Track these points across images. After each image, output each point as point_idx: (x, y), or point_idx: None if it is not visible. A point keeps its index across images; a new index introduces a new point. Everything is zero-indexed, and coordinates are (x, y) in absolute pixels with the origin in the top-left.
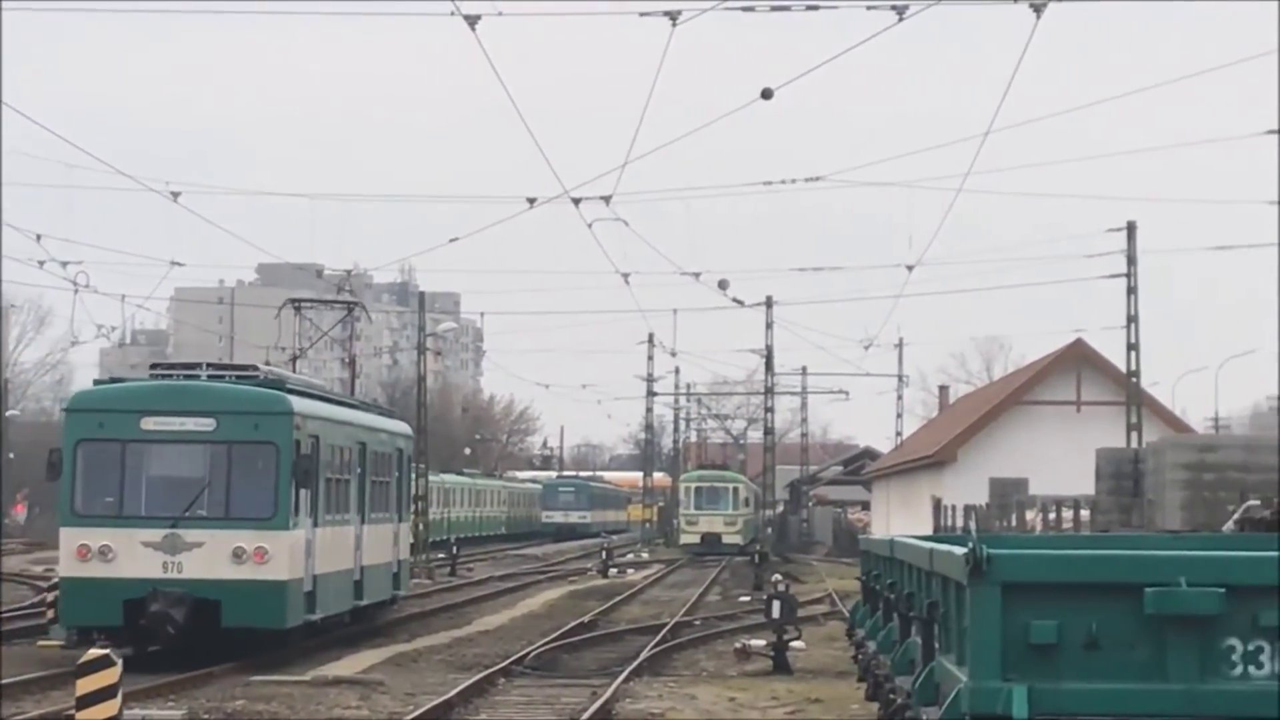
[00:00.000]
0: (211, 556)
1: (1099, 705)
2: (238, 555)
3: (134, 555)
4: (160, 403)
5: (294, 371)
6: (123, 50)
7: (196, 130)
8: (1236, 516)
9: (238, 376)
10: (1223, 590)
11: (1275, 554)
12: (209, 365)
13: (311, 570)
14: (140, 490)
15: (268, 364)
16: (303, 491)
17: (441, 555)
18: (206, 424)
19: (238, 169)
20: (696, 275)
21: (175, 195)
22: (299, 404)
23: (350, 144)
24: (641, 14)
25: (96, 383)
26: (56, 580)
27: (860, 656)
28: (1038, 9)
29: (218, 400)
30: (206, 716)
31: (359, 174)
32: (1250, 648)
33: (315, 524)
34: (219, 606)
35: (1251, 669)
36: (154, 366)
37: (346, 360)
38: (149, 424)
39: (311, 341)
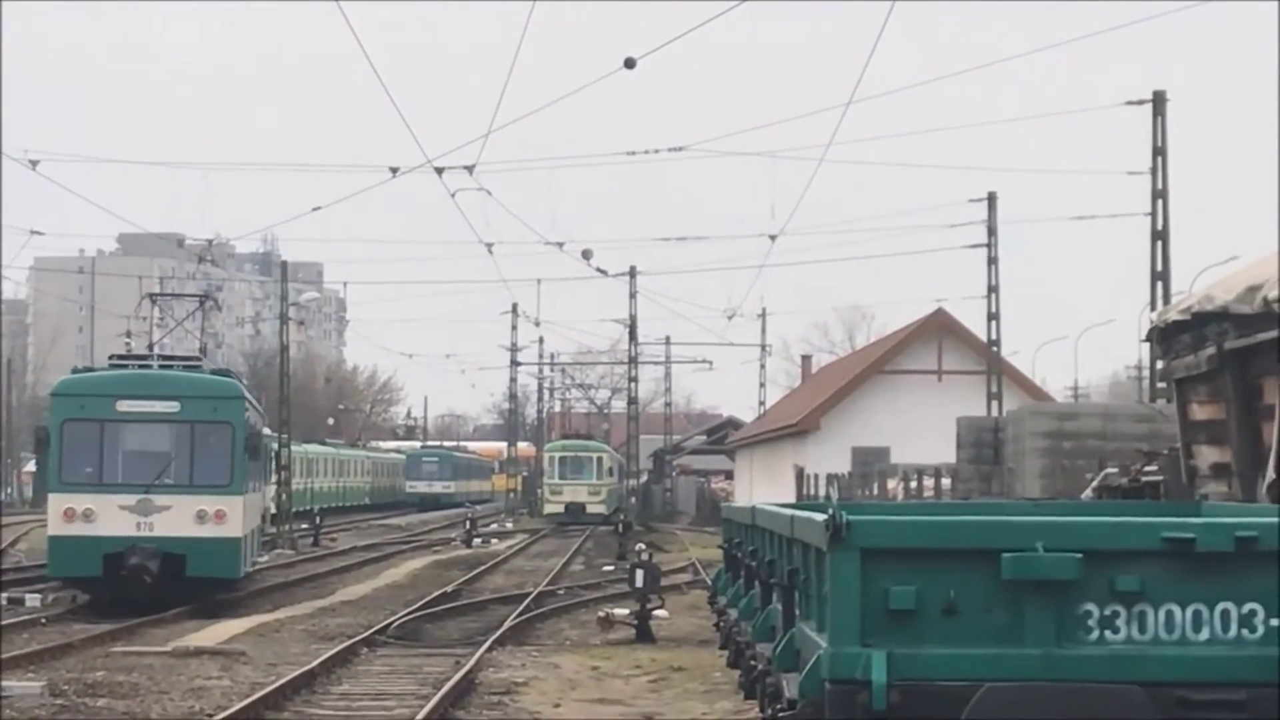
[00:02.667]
0: (178, 517)
1: (957, 670)
2: (200, 517)
3: (112, 517)
4: (133, 388)
5: (151, 353)
6: None
7: (55, 97)
8: (1095, 484)
9: (185, 366)
10: (1079, 556)
11: (1131, 519)
12: (159, 355)
13: (250, 528)
14: (117, 462)
15: (128, 339)
16: (251, 463)
17: (305, 526)
18: (172, 406)
19: (97, 137)
20: (560, 245)
21: (34, 163)
22: (246, 391)
23: (212, 112)
24: None
25: (74, 371)
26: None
27: (722, 624)
28: None
29: (182, 387)
30: (66, 688)
31: (220, 142)
32: (1106, 612)
33: (249, 491)
34: (184, 560)
35: (1108, 633)
36: (111, 357)
37: (199, 349)
38: (123, 406)
39: (168, 330)
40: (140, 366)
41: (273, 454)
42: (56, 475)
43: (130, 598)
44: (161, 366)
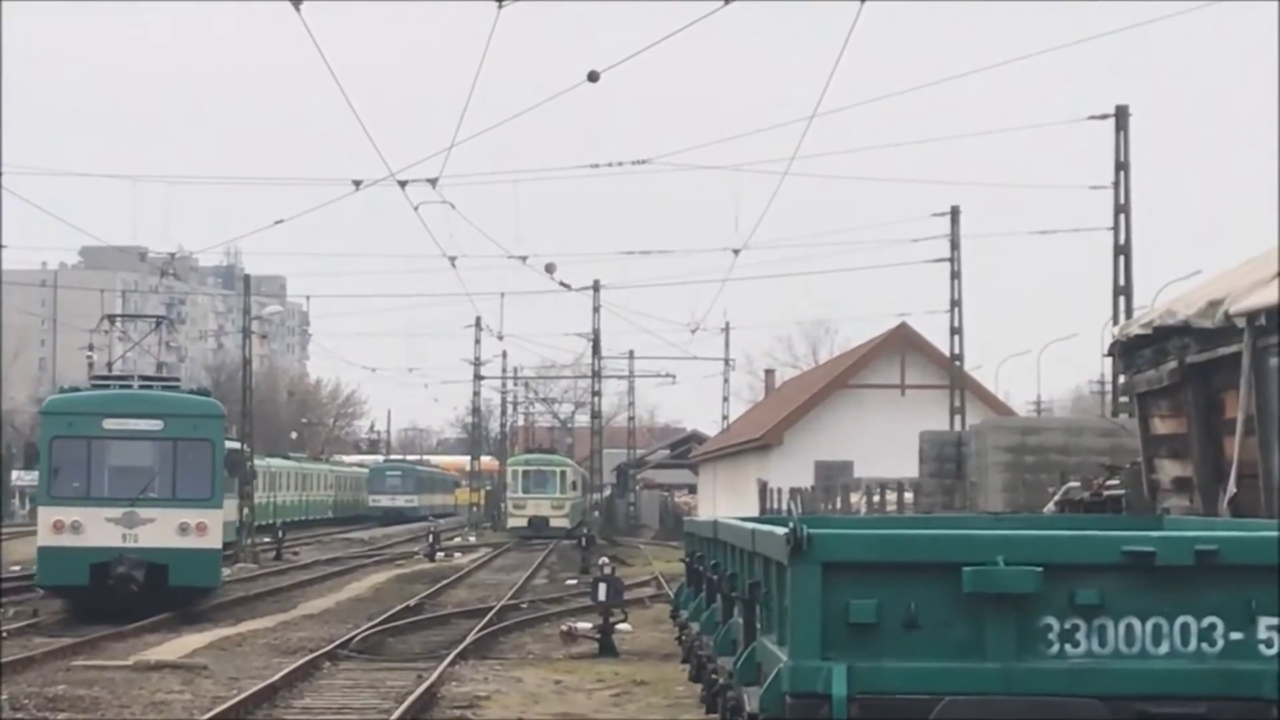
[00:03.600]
0: (162, 529)
1: (918, 683)
2: (183, 529)
3: (99, 528)
4: (118, 407)
5: (110, 370)
6: None
7: (16, 110)
8: (1057, 498)
9: (164, 386)
10: (1040, 569)
11: (1092, 533)
12: (140, 376)
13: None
14: (104, 476)
15: (90, 354)
16: (230, 479)
17: (267, 539)
18: (156, 425)
19: (59, 150)
20: (524, 259)
21: None
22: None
23: (174, 125)
24: None
25: (61, 390)
26: None
27: (684, 638)
28: None
29: (165, 406)
30: (27, 701)
31: (183, 156)
32: (1067, 626)
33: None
34: (167, 570)
35: (1068, 647)
36: (94, 378)
37: (156, 367)
38: (109, 424)
39: (126, 349)
40: (122, 386)
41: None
42: (46, 489)
43: (116, 606)
44: (142, 386)
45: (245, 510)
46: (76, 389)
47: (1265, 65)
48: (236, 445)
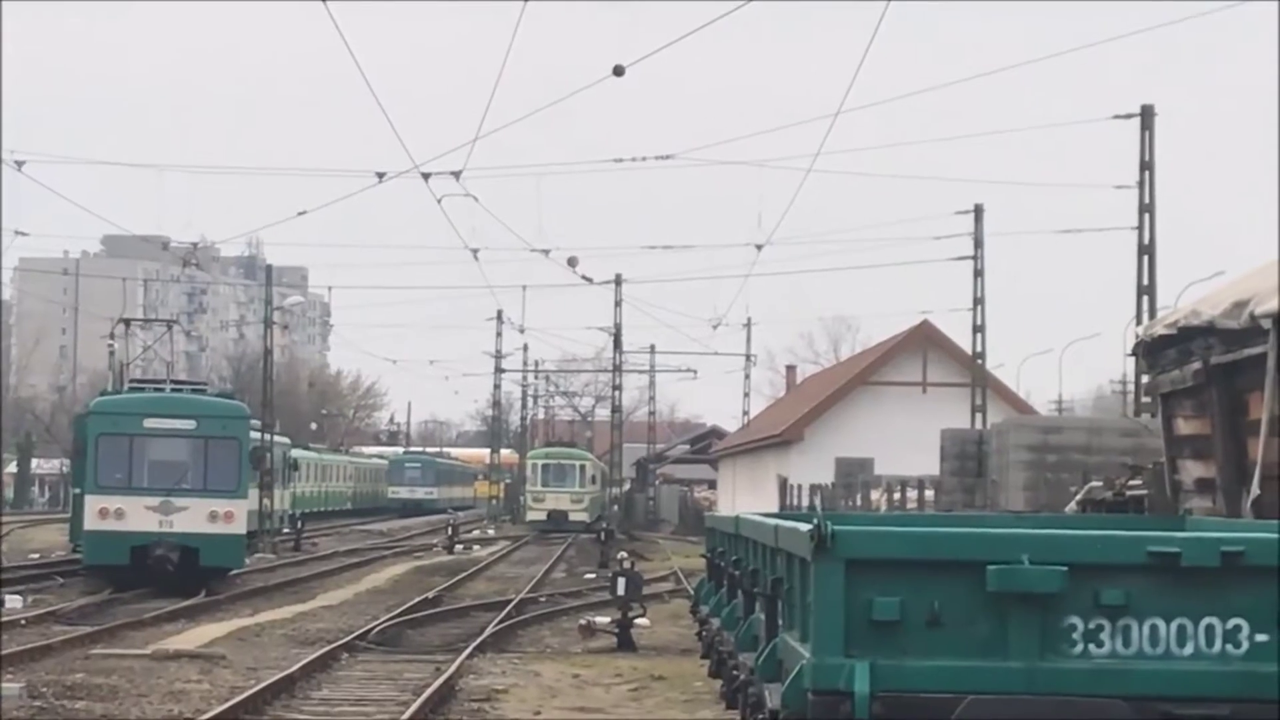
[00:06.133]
0: (194, 516)
1: (941, 682)
2: (213, 516)
3: (139, 515)
4: (157, 408)
5: (126, 369)
6: None
7: (40, 99)
8: (1079, 497)
9: (193, 389)
10: (1065, 569)
11: (1116, 533)
12: (172, 381)
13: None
14: (144, 469)
15: (111, 343)
16: (254, 472)
17: (286, 530)
18: (190, 424)
19: (83, 139)
20: (546, 252)
21: (19, 164)
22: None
23: (198, 115)
24: None
25: (102, 393)
26: None
27: (704, 633)
28: None
29: (198, 408)
30: (45, 690)
31: (207, 146)
32: (1091, 626)
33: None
34: (198, 552)
35: (1092, 647)
36: (131, 381)
37: (167, 368)
38: (149, 423)
39: (136, 356)
40: (156, 389)
41: (293, 461)
42: (93, 480)
43: (154, 582)
44: (173, 389)
45: (265, 501)
46: (119, 392)
47: None
48: (284, 439)
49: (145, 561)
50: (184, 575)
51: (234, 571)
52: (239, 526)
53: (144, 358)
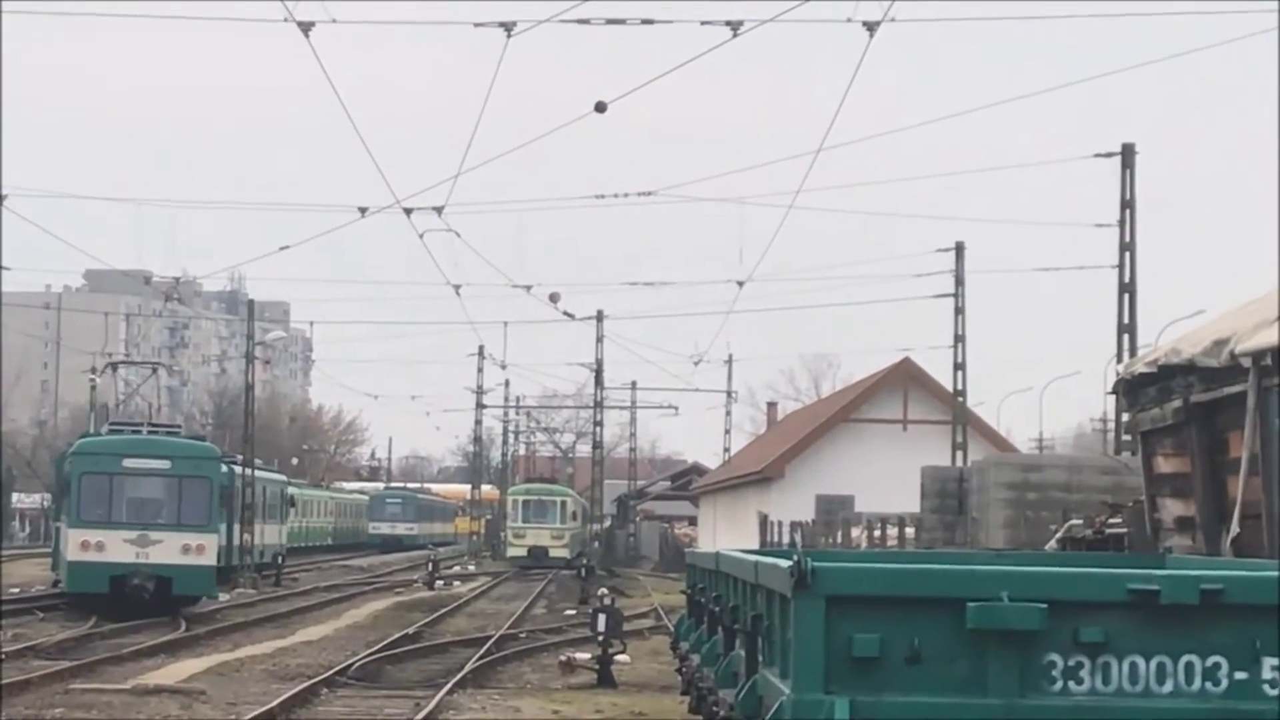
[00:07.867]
0: (169, 549)
1: (920, 718)
2: (185, 549)
3: (117, 547)
4: (135, 449)
5: (108, 411)
6: None
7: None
8: (1059, 535)
9: (167, 431)
10: (1044, 606)
11: (1096, 571)
12: (148, 423)
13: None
14: (122, 505)
15: (93, 377)
16: (222, 509)
17: (266, 565)
18: (165, 464)
19: (64, 173)
20: (528, 288)
21: (1, 198)
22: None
23: (180, 150)
24: (476, 24)
25: (83, 436)
26: None
27: (684, 670)
28: (871, 28)
29: (172, 449)
30: None
31: (189, 180)
32: (1070, 663)
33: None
34: (172, 582)
35: (1071, 684)
36: (110, 423)
37: (150, 410)
38: (128, 463)
39: (122, 399)
40: (133, 432)
41: (290, 497)
42: (76, 514)
43: (131, 610)
44: (150, 432)
45: (245, 536)
46: (99, 434)
47: (1269, 104)
48: (279, 476)
49: (123, 590)
50: (159, 603)
51: (205, 599)
52: (209, 558)
53: (126, 394)
